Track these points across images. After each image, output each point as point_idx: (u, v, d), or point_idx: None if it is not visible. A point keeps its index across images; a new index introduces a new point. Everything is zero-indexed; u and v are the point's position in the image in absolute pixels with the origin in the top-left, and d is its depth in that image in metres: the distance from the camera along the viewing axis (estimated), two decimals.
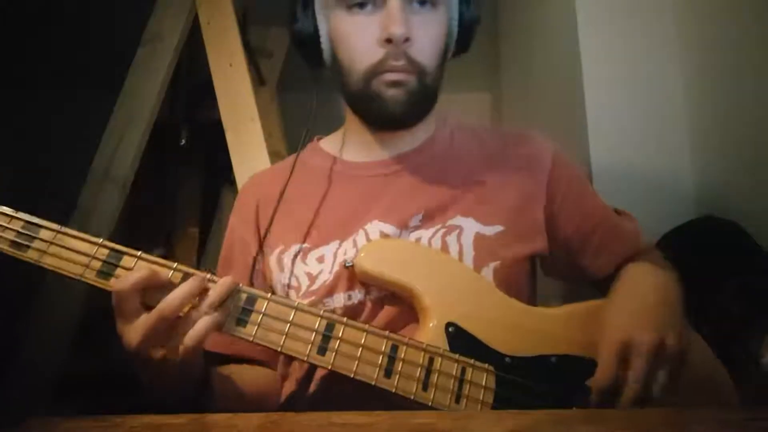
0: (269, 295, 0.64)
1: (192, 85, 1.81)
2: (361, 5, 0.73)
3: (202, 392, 0.66)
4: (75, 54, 2.08)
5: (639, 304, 0.69)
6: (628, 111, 1.26)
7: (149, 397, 0.62)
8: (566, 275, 0.87)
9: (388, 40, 0.71)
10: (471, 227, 0.75)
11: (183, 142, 1.82)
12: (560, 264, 0.84)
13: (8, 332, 1.36)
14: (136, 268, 0.62)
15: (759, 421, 0.45)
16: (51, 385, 1.36)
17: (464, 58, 0.84)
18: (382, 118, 0.77)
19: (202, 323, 0.59)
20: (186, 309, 0.60)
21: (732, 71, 1.11)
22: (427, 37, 0.74)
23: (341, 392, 0.63)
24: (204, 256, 1.84)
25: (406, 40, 0.71)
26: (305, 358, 0.62)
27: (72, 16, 1.99)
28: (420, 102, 0.76)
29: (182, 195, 1.92)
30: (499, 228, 0.75)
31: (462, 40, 0.80)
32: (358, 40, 0.74)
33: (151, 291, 0.60)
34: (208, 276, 0.63)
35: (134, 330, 0.58)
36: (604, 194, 0.88)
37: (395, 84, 0.73)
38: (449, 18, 0.77)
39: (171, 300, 0.58)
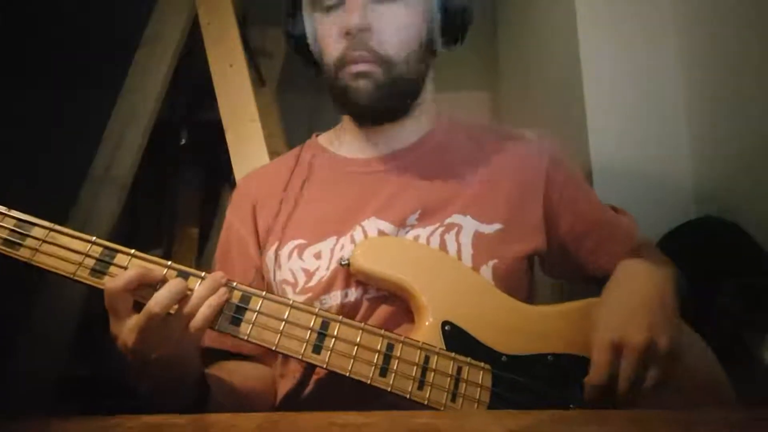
0: (263, 293, 0.64)
1: (192, 85, 1.81)
2: (336, 6, 0.74)
3: (199, 395, 0.65)
4: (75, 54, 2.08)
5: (631, 302, 0.68)
6: (628, 111, 1.27)
7: (148, 402, 0.61)
8: (565, 275, 0.87)
9: (348, 32, 0.72)
10: (470, 225, 0.75)
11: (183, 142, 1.82)
12: (559, 263, 0.83)
13: (8, 333, 1.35)
14: (130, 266, 0.61)
15: (761, 420, 0.45)
16: (51, 385, 1.36)
17: (464, 58, 0.83)
18: (355, 110, 0.78)
19: (197, 318, 0.58)
20: (175, 307, 0.59)
21: (732, 71, 1.11)
22: (391, 27, 0.73)
23: (338, 392, 0.62)
24: (204, 255, 1.84)
25: (365, 30, 0.71)
26: (300, 357, 0.62)
27: (72, 16, 1.99)
28: (392, 93, 0.75)
29: (182, 195, 1.92)
30: (498, 226, 0.75)
31: (449, 29, 0.78)
32: (329, 38, 0.75)
33: (145, 289, 0.59)
34: (203, 274, 0.62)
35: (128, 329, 0.57)
36: (604, 194, 0.88)
37: (360, 75, 0.73)
38: (428, 6, 0.76)
39: (159, 298, 0.57)
